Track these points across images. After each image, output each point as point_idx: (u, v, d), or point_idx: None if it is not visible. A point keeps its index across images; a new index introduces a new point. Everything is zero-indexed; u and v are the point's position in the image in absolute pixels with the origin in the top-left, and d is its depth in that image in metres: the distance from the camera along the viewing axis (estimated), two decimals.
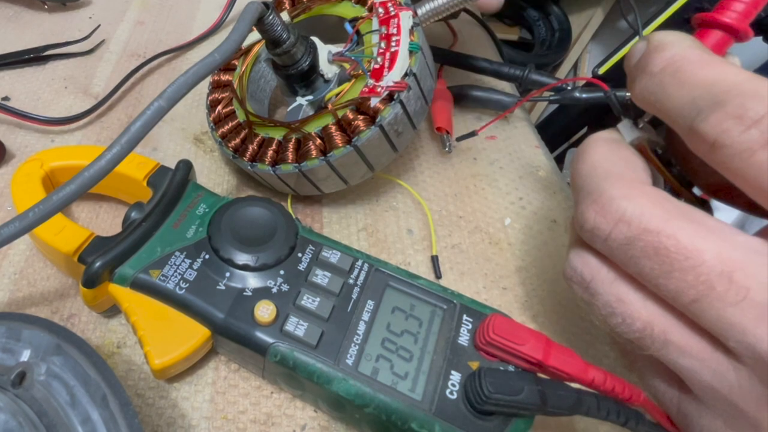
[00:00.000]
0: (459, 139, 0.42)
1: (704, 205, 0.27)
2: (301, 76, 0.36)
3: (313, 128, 0.34)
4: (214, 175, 0.41)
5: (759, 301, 0.19)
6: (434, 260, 0.36)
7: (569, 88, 0.44)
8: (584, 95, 0.42)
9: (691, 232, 0.20)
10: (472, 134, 0.41)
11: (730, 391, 0.20)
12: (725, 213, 0.26)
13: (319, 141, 0.34)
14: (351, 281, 0.29)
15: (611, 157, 0.25)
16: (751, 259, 0.19)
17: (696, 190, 0.27)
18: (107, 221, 0.37)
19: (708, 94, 0.20)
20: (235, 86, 0.39)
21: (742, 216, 0.29)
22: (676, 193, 0.27)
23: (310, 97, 0.38)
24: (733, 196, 0.26)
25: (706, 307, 0.20)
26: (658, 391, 0.25)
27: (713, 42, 0.27)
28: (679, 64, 0.22)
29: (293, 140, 0.35)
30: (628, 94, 0.26)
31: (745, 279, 0.19)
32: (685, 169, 0.27)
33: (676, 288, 0.20)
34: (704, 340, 0.21)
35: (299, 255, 0.30)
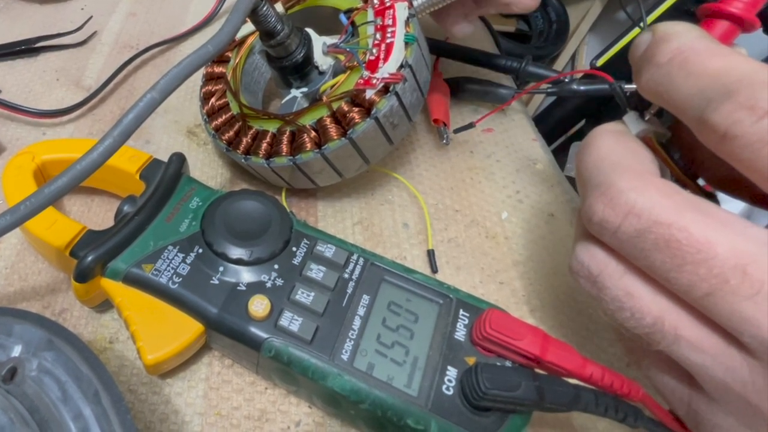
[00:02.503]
0: (456, 131, 0.42)
1: (711, 198, 0.27)
2: (295, 68, 0.36)
3: (307, 120, 0.34)
4: (207, 168, 0.41)
5: None
6: (430, 254, 0.36)
7: (567, 80, 0.44)
8: (582, 87, 0.41)
9: (704, 224, 0.20)
10: (470, 126, 0.41)
11: (744, 388, 0.20)
12: (730, 205, 0.26)
13: (313, 133, 0.33)
14: (346, 276, 0.29)
15: (618, 149, 0.24)
16: (766, 252, 0.19)
17: (701, 183, 0.27)
18: (99, 215, 0.37)
19: (718, 84, 0.20)
20: (228, 78, 0.39)
21: (747, 209, 0.28)
22: (682, 185, 0.26)
23: (304, 89, 0.37)
24: (740, 188, 0.25)
25: (720, 302, 0.19)
26: (667, 389, 0.24)
27: (719, 33, 0.27)
28: (687, 54, 0.21)
29: (287, 133, 0.34)
30: (633, 86, 0.25)
31: (759, 272, 0.18)
32: (692, 161, 0.26)
33: (688, 282, 0.20)
34: (717, 335, 0.20)
35: (294, 249, 0.30)
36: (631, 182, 0.22)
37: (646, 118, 0.26)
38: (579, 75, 0.42)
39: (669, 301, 0.22)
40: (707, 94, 0.20)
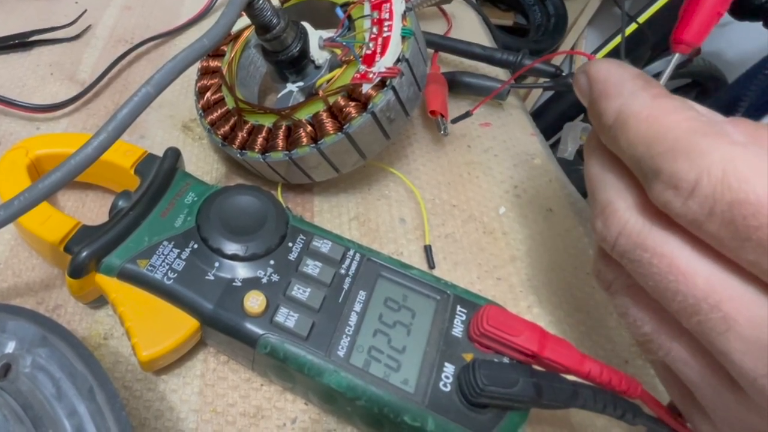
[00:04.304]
0: (454, 121, 0.42)
1: None
2: (291, 62, 0.36)
3: (303, 115, 0.34)
4: (202, 163, 0.41)
5: (746, 335, 0.18)
6: (427, 250, 0.36)
7: (564, 74, 0.43)
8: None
9: (686, 252, 0.19)
10: (467, 115, 0.41)
11: (728, 413, 0.20)
12: None
13: (309, 128, 0.33)
14: (342, 271, 0.29)
15: (617, 161, 0.24)
16: (741, 289, 0.18)
17: None
18: (94, 210, 0.37)
19: (648, 156, 0.19)
20: (224, 72, 0.39)
21: None
22: None
23: (300, 84, 0.37)
24: None
25: (698, 328, 0.19)
26: (667, 386, 0.25)
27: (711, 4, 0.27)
28: (625, 118, 0.21)
29: (283, 127, 0.34)
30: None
31: (732, 309, 0.18)
32: None
33: (671, 305, 0.20)
34: (706, 357, 0.20)
35: (290, 245, 0.30)
36: (626, 201, 0.22)
37: None
38: (576, 69, 0.42)
39: (665, 316, 0.22)
40: (642, 167, 0.20)
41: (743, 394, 0.19)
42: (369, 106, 0.31)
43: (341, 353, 0.26)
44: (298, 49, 0.35)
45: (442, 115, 0.41)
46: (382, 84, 0.32)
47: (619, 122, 0.21)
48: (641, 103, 0.21)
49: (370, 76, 0.32)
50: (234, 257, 0.28)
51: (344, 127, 0.32)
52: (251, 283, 0.28)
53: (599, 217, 0.22)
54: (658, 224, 0.20)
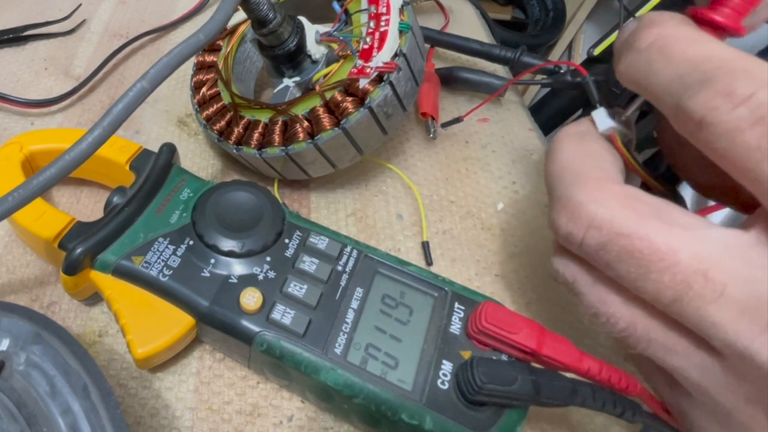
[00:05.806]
0: (444, 125, 0.41)
1: (675, 195, 0.26)
2: (287, 57, 0.36)
3: (300, 110, 0.33)
4: (198, 158, 0.40)
5: (737, 297, 0.18)
6: (425, 246, 0.36)
7: (562, 71, 0.43)
8: (577, 79, 0.41)
9: (664, 231, 0.20)
10: (457, 120, 0.40)
11: (717, 389, 0.20)
12: None
13: (306, 123, 0.33)
14: (339, 268, 0.29)
15: (579, 156, 0.24)
16: (726, 254, 0.19)
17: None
18: (88, 206, 0.37)
19: (696, 71, 0.20)
20: (220, 67, 0.38)
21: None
22: (645, 186, 0.26)
23: (297, 79, 0.37)
24: (724, 194, 0.25)
25: (686, 307, 0.19)
26: (656, 387, 0.25)
27: None
28: (667, 40, 0.21)
29: (280, 123, 0.34)
30: None
31: (721, 275, 0.19)
32: (677, 166, 0.26)
33: (654, 289, 0.20)
34: (688, 338, 0.21)
35: (286, 241, 0.29)
36: (590, 194, 0.22)
37: (623, 119, 0.26)
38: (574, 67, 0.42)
39: (640, 307, 0.22)
40: (685, 80, 0.20)
41: (730, 364, 0.19)
42: (366, 102, 0.31)
43: (338, 351, 0.26)
44: (294, 43, 0.35)
45: (433, 118, 0.41)
46: (379, 79, 0.32)
47: (659, 44, 0.22)
48: (688, 30, 0.22)
49: (368, 71, 0.31)
50: (230, 254, 0.28)
51: (341, 122, 0.32)
52: (247, 280, 0.28)
53: (562, 213, 0.22)
54: (630, 209, 0.21)
